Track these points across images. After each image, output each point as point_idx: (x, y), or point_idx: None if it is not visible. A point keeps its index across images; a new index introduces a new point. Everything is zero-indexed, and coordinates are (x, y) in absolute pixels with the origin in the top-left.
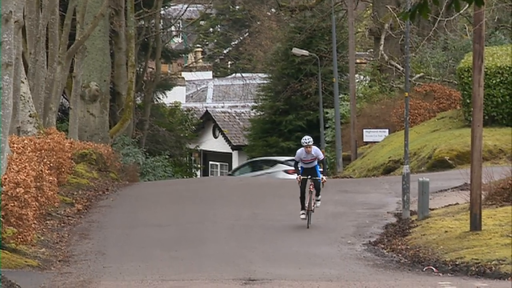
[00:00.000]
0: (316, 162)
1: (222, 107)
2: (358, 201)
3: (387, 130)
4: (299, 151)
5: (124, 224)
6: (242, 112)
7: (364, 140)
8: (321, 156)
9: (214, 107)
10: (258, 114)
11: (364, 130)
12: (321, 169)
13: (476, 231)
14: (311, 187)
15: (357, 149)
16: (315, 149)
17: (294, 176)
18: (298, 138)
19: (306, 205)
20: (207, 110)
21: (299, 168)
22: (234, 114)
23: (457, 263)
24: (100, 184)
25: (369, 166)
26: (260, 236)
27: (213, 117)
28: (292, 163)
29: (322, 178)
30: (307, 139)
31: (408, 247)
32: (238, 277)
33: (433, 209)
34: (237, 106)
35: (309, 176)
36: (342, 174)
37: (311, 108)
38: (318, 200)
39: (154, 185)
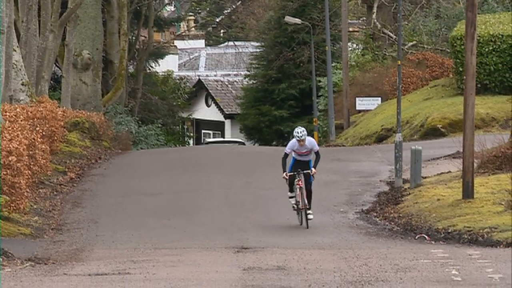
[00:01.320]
0: (311, 156)
1: (215, 75)
2: (351, 169)
3: (379, 99)
4: (291, 141)
5: (117, 192)
6: (235, 81)
7: (357, 109)
8: (316, 148)
9: (207, 75)
10: (251, 82)
11: (357, 99)
12: (314, 163)
13: (468, 199)
14: (300, 183)
15: (349, 117)
16: (309, 140)
17: None
18: (291, 106)
19: (297, 203)
20: (199, 79)
21: (287, 162)
22: (226, 83)
23: (449, 231)
24: (93, 153)
25: (361, 135)
26: (253, 204)
27: (206, 85)
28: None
29: (312, 170)
30: (299, 132)
31: (401, 215)
32: (231, 245)
33: (425, 177)
34: (229, 75)
35: (299, 170)
36: (334, 142)
37: (303, 77)
38: (310, 214)
39: (146, 154)
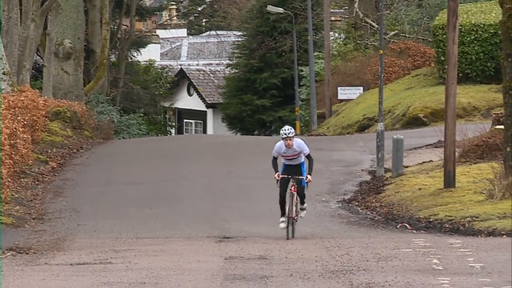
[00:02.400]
0: (301, 158)
1: (197, 64)
2: (333, 158)
3: (361, 88)
4: (277, 144)
5: (99, 182)
6: (217, 70)
7: (339, 98)
8: (306, 150)
9: (189, 64)
10: (233, 72)
11: (339, 88)
12: (307, 169)
13: (450, 188)
14: (292, 188)
15: (331, 106)
16: (298, 142)
17: None
18: (273, 96)
19: (287, 210)
20: (181, 68)
21: (277, 164)
22: (208, 72)
23: (430, 220)
24: (75, 142)
25: (343, 124)
26: (235, 194)
27: (188, 75)
28: None
29: (307, 177)
30: (286, 129)
31: (382, 204)
32: (212, 235)
33: (407, 167)
34: (211, 64)
35: (292, 175)
36: (316, 131)
37: (285, 66)
38: (303, 209)
39: (128, 143)
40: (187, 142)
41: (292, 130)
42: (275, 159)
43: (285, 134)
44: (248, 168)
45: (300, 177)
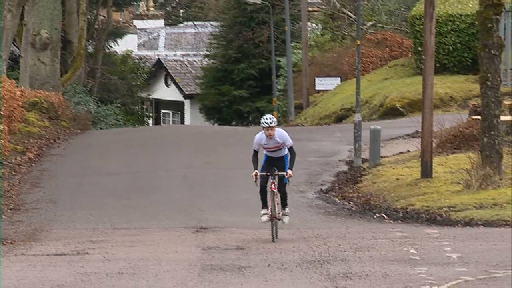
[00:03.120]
0: (285, 151)
1: (174, 55)
2: (310, 149)
3: (339, 78)
4: (257, 136)
5: (76, 172)
6: (194, 61)
7: (316, 88)
8: (290, 142)
9: (166, 55)
10: (210, 62)
11: (316, 78)
12: (289, 163)
13: (427, 178)
14: (272, 186)
15: (309, 97)
16: (280, 133)
17: None
18: (250, 86)
19: (269, 210)
20: (159, 59)
21: (257, 161)
22: (186, 63)
23: (408, 210)
24: (51, 133)
25: (321, 114)
26: (212, 184)
27: (165, 65)
28: None
29: (287, 173)
30: (267, 118)
31: (360, 194)
32: (190, 225)
33: (384, 157)
34: (189, 55)
35: (273, 170)
36: (294, 122)
37: (263, 57)
38: (286, 214)
39: (105, 134)
40: (164, 132)
41: (274, 119)
42: (255, 153)
43: (266, 123)
44: (226, 158)
45: (280, 173)
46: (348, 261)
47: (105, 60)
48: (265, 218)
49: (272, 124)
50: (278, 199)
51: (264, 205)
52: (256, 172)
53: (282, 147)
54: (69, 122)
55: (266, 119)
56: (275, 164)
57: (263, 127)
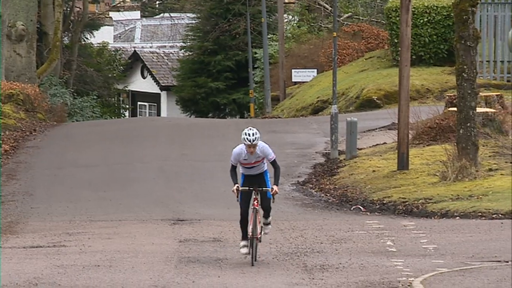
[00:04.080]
0: (264, 166)
1: (151, 47)
2: (287, 141)
3: (315, 70)
4: (236, 150)
5: (52, 164)
6: (171, 52)
7: (293, 80)
8: (272, 156)
9: (142, 47)
10: (187, 54)
11: (293, 70)
12: (274, 176)
13: (403, 170)
14: (255, 203)
15: (285, 89)
16: (261, 146)
17: None
18: (227, 78)
19: (250, 231)
20: (135, 50)
21: (236, 174)
22: (162, 54)
23: (384, 202)
24: (27, 125)
25: (297, 106)
26: (189, 176)
27: (141, 57)
28: None
29: (272, 189)
30: (250, 135)
31: (336, 186)
32: (167, 218)
33: (361, 149)
34: (165, 46)
35: (255, 186)
36: (270, 114)
37: (239, 48)
38: (268, 224)
39: (82, 126)
40: (141, 124)
41: (257, 135)
42: (233, 168)
43: (248, 140)
44: (202, 150)
45: (264, 188)
46: (325, 253)
47: (81, 52)
48: (244, 250)
49: (255, 142)
50: (260, 217)
51: (245, 236)
52: (238, 186)
53: (261, 162)
54: (45, 114)
55: (248, 135)
56: (254, 182)
57: (244, 144)
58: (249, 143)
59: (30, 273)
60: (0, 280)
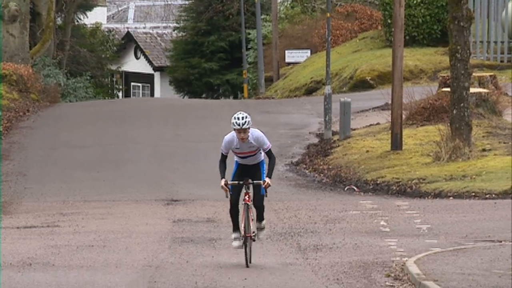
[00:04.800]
0: (261, 156)
1: (144, 28)
2: (280, 121)
3: (309, 51)
4: (227, 137)
5: (46, 145)
6: (164, 33)
7: (286, 61)
8: (267, 145)
9: (136, 28)
10: (180, 35)
11: (286, 51)
12: (267, 167)
13: (397, 150)
14: (246, 198)
15: (279, 70)
16: (255, 134)
17: None
18: (220, 59)
19: (242, 227)
20: (128, 31)
21: (225, 167)
22: (155, 35)
23: (378, 182)
24: (21, 105)
25: (291, 87)
26: (183, 157)
27: (135, 38)
28: None
29: (264, 181)
30: (239, 118)
31: (330, 167)
32: (160, 198)
33: (354, 129)
34: (158, 27)
35: (245, 180)
36: (264, 95)
37: (233, 29)
38: (262, 229)
39: (75, 106)
40: (134, 105)
41: (248, 119)
42: (223, 158)
43: (238, 124)
44: (196, 131)
45: (256, 181)
46: (318, 233)
47: (74, 32)
48: (236, 243)
49: (245, 126)
50: (253, 214)
51: (236, 227)
52: (225, 181)
53: (257, 152)
54: (38, 94)
55: (238, 119)
56: (248, 173)
57: (234, 129)
58: (239, 127)
59: (24, 253)
60: (0, 259)
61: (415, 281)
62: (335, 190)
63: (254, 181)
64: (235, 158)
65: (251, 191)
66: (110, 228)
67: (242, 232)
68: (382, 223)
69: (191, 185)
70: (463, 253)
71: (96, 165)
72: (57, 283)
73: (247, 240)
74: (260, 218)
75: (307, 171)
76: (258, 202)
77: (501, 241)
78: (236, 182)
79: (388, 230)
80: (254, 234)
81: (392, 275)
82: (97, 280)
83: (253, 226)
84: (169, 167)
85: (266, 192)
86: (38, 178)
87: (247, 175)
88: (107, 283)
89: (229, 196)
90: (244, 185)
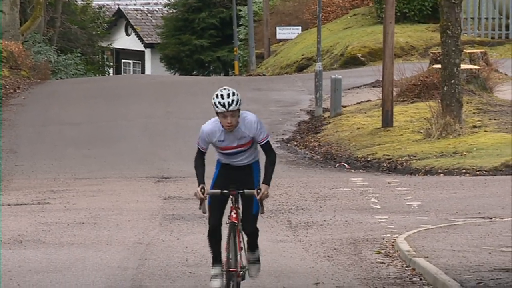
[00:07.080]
0: (254, 153)
1: (135, 4)
2: (271, 98)
3: (300, 28)
4: (206, 126)
5: (36, 122)
6: (155, 10)
7: (277, 38)
8: (264, 134)
9: (126, 4)
10: (171, 11)
11: (277, 28)
12: (264, 170)
13: (387, 127)
14: (233, 215)
15: (270, 46)
16: (247, 119)
17: None
18: (211, 36)
19: (224, 257)
20: (119, 8)
21: (203, 167)
22: (146, 12)
23: (368, 159)
24: (11, 82)
25: (282, 64)
26: (173, 134)
27: (125, 14)
28: None
29: (260, 189)
30: (225, 96)
31: (321, 144)
32: (151, 175)
33: (345, 106)
34: (149, 4)
35: (231, 189)
36: (255, 72)
37: (224, 6)
38: (256, 261)
39: (66, 83)
40: (125, 82)
41: (237, 96)
42: (201, 155)
43: (222, 105)
44: (187, 108)
45: (246, 190)
46: (309, 210)
47: (65, 9)
48: (216, 283)
49: (233, 107)
50: (242, 239)
51: (216, 260)
52: (203, 187)
53: (249, 147)
54: (29, 71)
55: (222, 96)
56: (235, 177)
57: (218, 112)
58: (224, 109)
59: (15, 230)
60: (1, 236)
61: (405, 258)
62: (325, 167)
63: (245, 191)
64: (218, 156)
65: (240, 205)
66: (100, 205)
67: (225, 266)
68: (372, 200)
69: (182, 162)
70: (454, 230)
71: (87, 142)
72: (47, 260)
73: (232, 278)
74: (252, 247)
75: (298, 148)
76: (250, 226)
77: (491, 218)
78: (219, 191)
79: (379, 207)
80: (243, 268)
81: (383, 252)
82: (88, 257)
83: (240, 257)
84: (160, 144)
85: (262, 207)
86: (29, 155)
87: (234, 182)
88: (98, 260)
89: (206, 212)
90: (231, 197)
